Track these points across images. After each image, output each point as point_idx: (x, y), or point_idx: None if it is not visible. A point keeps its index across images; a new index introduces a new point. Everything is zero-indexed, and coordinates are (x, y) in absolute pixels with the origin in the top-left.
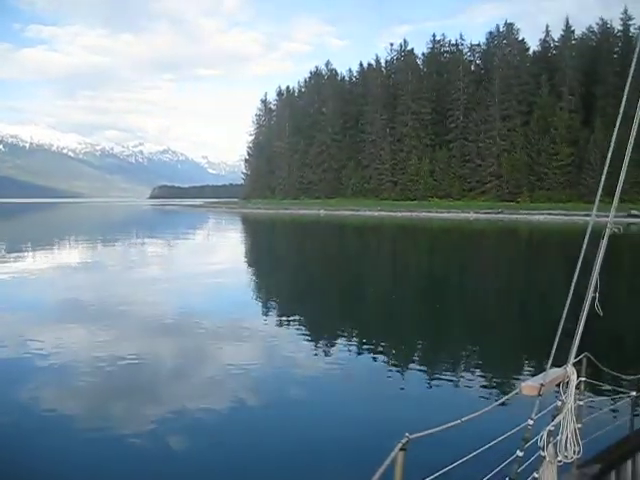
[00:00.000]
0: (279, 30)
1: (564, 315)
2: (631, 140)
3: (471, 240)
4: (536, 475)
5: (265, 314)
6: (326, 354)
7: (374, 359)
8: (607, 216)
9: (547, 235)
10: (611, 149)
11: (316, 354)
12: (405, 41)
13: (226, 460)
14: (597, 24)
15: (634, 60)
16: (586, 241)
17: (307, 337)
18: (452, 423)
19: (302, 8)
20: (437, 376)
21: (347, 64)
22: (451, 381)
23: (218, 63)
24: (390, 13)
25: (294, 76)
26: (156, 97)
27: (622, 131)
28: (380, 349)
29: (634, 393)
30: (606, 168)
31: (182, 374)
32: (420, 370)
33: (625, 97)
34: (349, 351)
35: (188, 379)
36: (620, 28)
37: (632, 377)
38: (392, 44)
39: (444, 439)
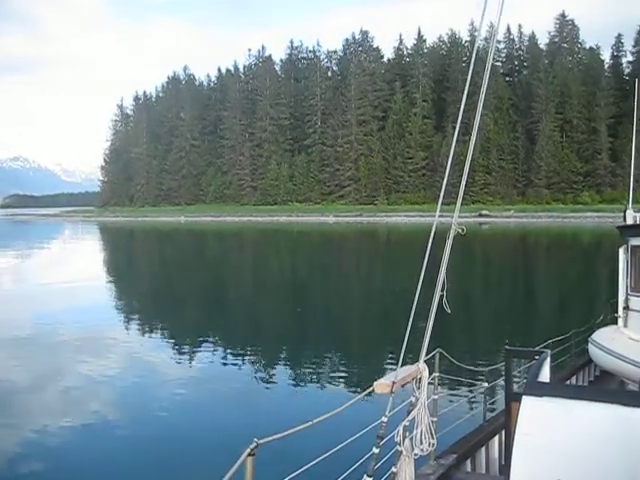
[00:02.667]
0: (137, 33)
1: (412, 314)
2: (471, 146)
3: (332, 243)
4: (394, 469)
5: (126, 325)
6: (188, 362)
7: (235, 365)
8: (459, 217)
9: (404, 236)
10: (451, 154)
11: (178, 362)
12: (263, 47)
13: (81, 475)
14: (447, 34)
15: (470, 71)
16: (430, 242)
17: (169, 346)
18: (303, 425)
19: (159, 11)
20: (296, 379)
21: (205, 69)
22: (310, 383)
23: (74, 65)
24: (249, 19)
25: (152, 81)
26: (7, 101)
27: (477, 136)
28: (241, 355)
29: (486, 384)
30: (447, 172)
31: (40, 391)
32: (279, 374)
33: (462, 105)
34: (211, 358)
35: (46, 396)
36: (468, 38)
37: (484, 369)
38: (250, 50)
39: (299, 441)
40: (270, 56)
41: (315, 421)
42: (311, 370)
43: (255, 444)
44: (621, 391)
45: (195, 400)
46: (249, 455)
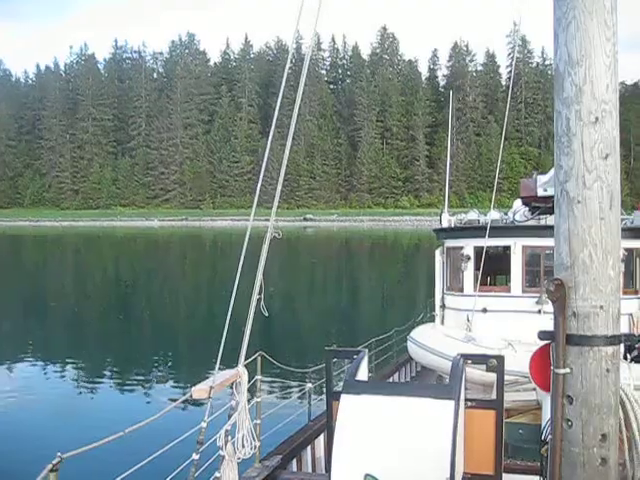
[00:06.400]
0: None
1: (228, 318)
2: (287, 151)
3: (156, 248)
4: (217, 474)
5: None
6: (1, 374)
7: (52, 376)
8: (280, 221)
9: (229, 240)
10: (265, 158)
11: None
12: (86, 45)
13: None
14: (274, 41)
15: (284, 79)
16: (245, 246)
17: None
18: (114, 435)
19: None
20: (114, 388)
21: (22, 65)
22: (129, 392)
23: None
24: (71, 14)
25: None
26: None
27: (295, 142)
28: (59, 365)
29: (310, 385)
30: (261, 176)
31: None
32: (97, 384)
33: (277, 110)
34: (27, 369)
35: None
36: (294, 45)
37: (307, 370)
38: (72, 47)
39: (113, 452)
40: (93, 54)
41: (127, 431)
42: (131, 378)
43: (59, 459)
44: (433, 386)
45: (2, 414)
46: (51, 471)
